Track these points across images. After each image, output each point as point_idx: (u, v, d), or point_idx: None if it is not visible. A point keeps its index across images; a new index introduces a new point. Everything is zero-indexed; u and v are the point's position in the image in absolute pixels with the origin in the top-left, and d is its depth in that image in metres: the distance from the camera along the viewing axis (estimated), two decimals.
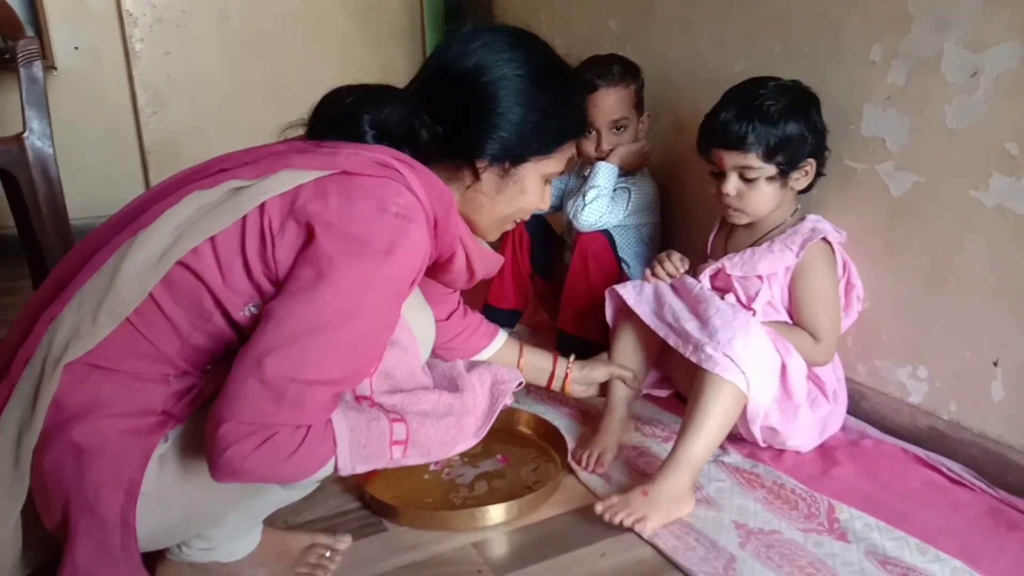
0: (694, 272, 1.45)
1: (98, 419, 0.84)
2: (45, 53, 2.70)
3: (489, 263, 1.09)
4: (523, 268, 1.87)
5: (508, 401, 1.10)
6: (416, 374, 1.01)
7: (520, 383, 1.13)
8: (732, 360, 1.23)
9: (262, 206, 0.85)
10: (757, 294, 1.36)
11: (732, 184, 1.34)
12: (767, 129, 1.29)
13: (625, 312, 1.45)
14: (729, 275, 1.39)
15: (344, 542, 1.15)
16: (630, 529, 1.16)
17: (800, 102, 1.34)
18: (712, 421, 1.22)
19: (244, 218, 0.85)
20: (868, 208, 1.41)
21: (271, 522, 1.12)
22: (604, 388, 1.47)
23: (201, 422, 0.84)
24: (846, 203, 1.44)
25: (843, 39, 1.40)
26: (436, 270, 1.03)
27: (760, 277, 1.36)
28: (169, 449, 0.87)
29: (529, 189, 1.01)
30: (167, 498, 0.88)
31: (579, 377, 1.43)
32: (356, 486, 1.30)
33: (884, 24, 1.33)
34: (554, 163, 1.02)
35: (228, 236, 0.85)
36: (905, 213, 1.35)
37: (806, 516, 1.21)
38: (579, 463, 1.36)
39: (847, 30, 1.39)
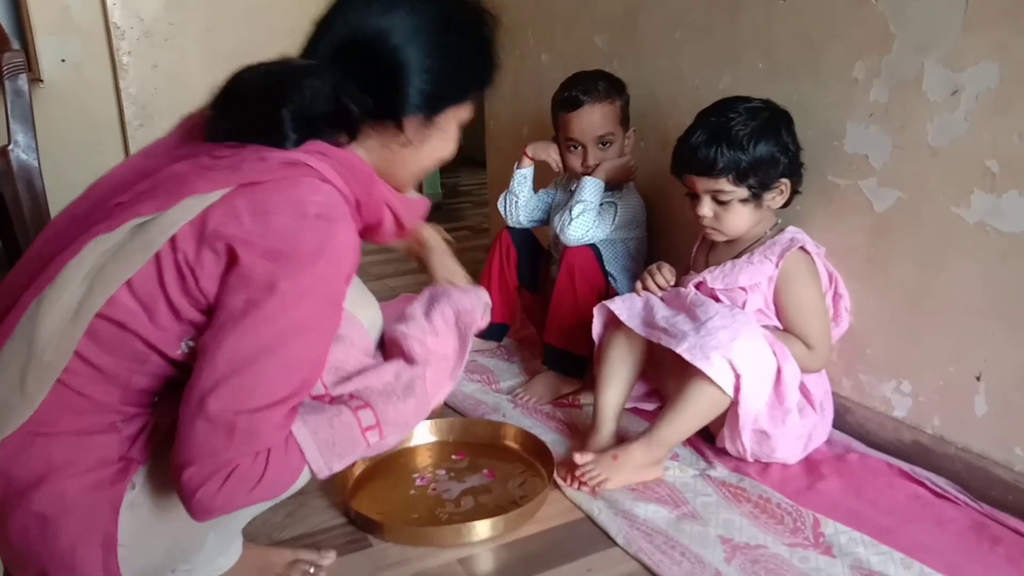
0: (678, 285, 1.46)
1: (56, 483, 0.80)
2: (31, 65, 2.70)
3: (417, 210, 1.05)
4: (510, 282, 1.88)
5: (482, 325, 1.07)
6: (367, 363, 0.97)
7: (487, 304, 1.09)
8: (728, 361, 1.25)
9: (173, 240, 0.80)
10: (744, 304, 1.38)
11: (706, 207, 1.37)
12: (736, 154, 1.31)
13: (613, 326, 1.46)
14: (711, 288, 1.40)
15: (328, 558, 1.14)
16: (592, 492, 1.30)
17: (770, 123, 1.35)
18: (692, 415, 1.31)
19: (157, 255, 0.80)
20: (852, 223, 1.42)
21: (253, 538, 1.12)
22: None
23: (164, 458, 0.82)
24: (830, 218, 1.45)
25: (826, 57, 1.42)
26: (365, 234, 0.99)
27: (743, 288, 1.37)
28: (138, 495, 0.85)
29: (449, 136, 0.98)
30: (146, 542, 0.86)
31: None
32: (341, 502, 1.29)
33: (866, 43, 1.35)
34: (469, 109, 0.99)
35: (144, 277, 0.80)
36: (888, 229, 1.37)
37: (792, 531, 1.22)
38: (564, 479, 1.36)
39: (830, 48, 1.41)
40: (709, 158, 1.32)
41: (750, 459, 1.37)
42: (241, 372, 0.78)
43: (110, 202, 0.85)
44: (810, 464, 1.40)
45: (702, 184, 1.36)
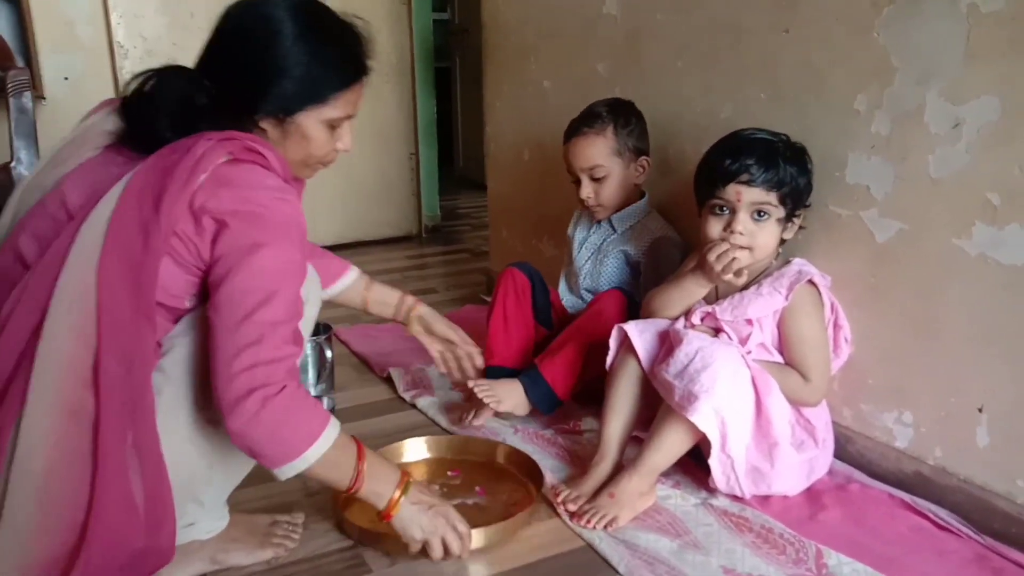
0: (685, 314, 1.46)
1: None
2: (35, 83, 2.70)
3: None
4: (527, 320, 1.80)
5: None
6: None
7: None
8: (713, 410, 1.27)
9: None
10: (748, 337, 1.38)
11: (745, 221, 1.35)
12: (789, 170, 1.34)
13: (625, 349, 1.46)
14: (719, 319, 1.40)
15: (299, 517, 1.28)
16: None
17: (802, 154, 1.40)
18: (677, 442, 1.34)
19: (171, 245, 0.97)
20: (853, 254, 1.43)
21: (237, 508, 1.23)
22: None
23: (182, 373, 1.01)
24: (831, 248, 1.46)
25: (828, 88, 1.44)
26: None
27: (750, 321, 1.37)
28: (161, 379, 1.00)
29: (312, 136, 1.07)
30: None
31: (424, 313, 1.55)
32: (338, 526, 1.30)
33: (868, 75, 1.36)
34: (334, 109, 1.08)
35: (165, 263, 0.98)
36: (889, 259, 1.37)
37: (794, 561, 1.21)
38: (556, 497, 1.36)
39: (832, 80, 1.43)
40: (766, 171, 1.33)
41: (748, 497, 1.36)
42: (252, 311, 0.96)
43: (60, 215, 0.98)
44: (812, 494, 1.39)
45: (749, 196, 1.34)
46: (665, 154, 1.85)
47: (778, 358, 1.40)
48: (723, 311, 1.40)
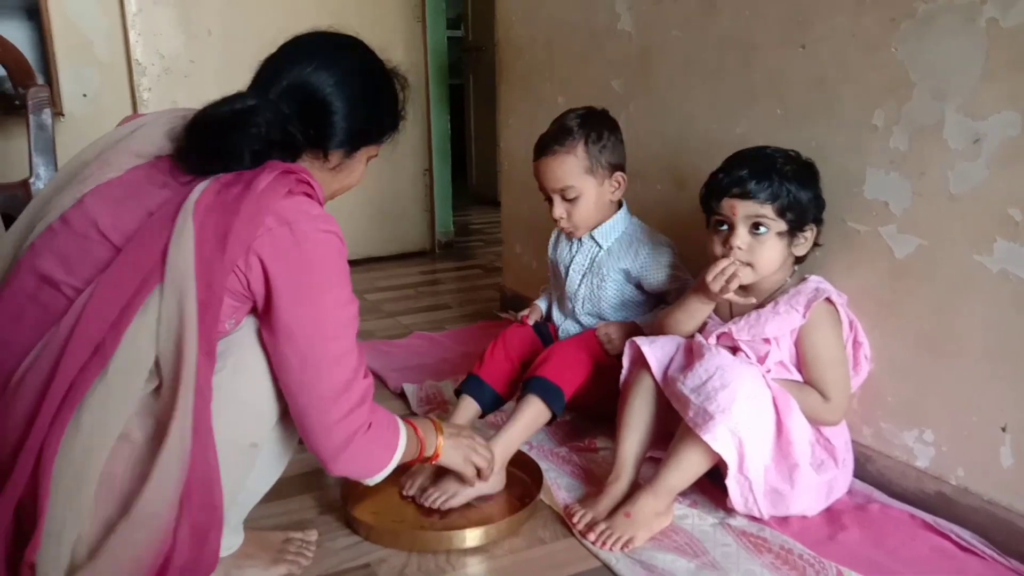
0: (701, 332, 1.45)
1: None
2: (54, 100, 2.73)
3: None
4: (523, 353, 1.71)
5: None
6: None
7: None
8: (730, 431, 1.26)
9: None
10: (767, 355, 1.36)
11: (742, 236, 1.34)
12: (783, 185, 1.32)
13: (639, 366, 1.45)
14: (736, 339, 1.39)
15: (312, 535, 1.30)
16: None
17: (808, 169, 1.38)
18: (696, 463, 1.32)
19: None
20: (871, 270, 1.41)
21: (250, 524, 1.23)
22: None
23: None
24: (849, 265, 1.45)
25: (844, 104, 1.43)
26: None
27: (767, 339, 1.36)
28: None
29: (357, 170, 1.21)
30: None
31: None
32: (347, 524, 1.36)
33: (885, 90, 1.35)
34: (378, 147, 1.23)
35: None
36: (908, 275, 1.36)
37: None
38: (571, 517, 1.35)
39: (847, 96, 1.42)
40: (757, 183, 1.32)
41: (767, 518, 1.34)
42: (318, 354, 1.03)
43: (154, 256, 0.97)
44: (831, 515, 1.37)
45: (744, 209, 1.34)
46: (679, 170, 1.84)
47: (797, 376, 1.38)
48: (739, 330, 1.38)
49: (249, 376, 1.04)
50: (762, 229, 1.33)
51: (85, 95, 2.97)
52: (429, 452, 1.27)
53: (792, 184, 1.33)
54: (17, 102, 2.33)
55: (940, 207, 1.30)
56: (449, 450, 1.30)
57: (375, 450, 1.13)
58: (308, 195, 1.05)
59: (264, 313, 1.02)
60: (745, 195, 1.33)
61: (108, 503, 0.91)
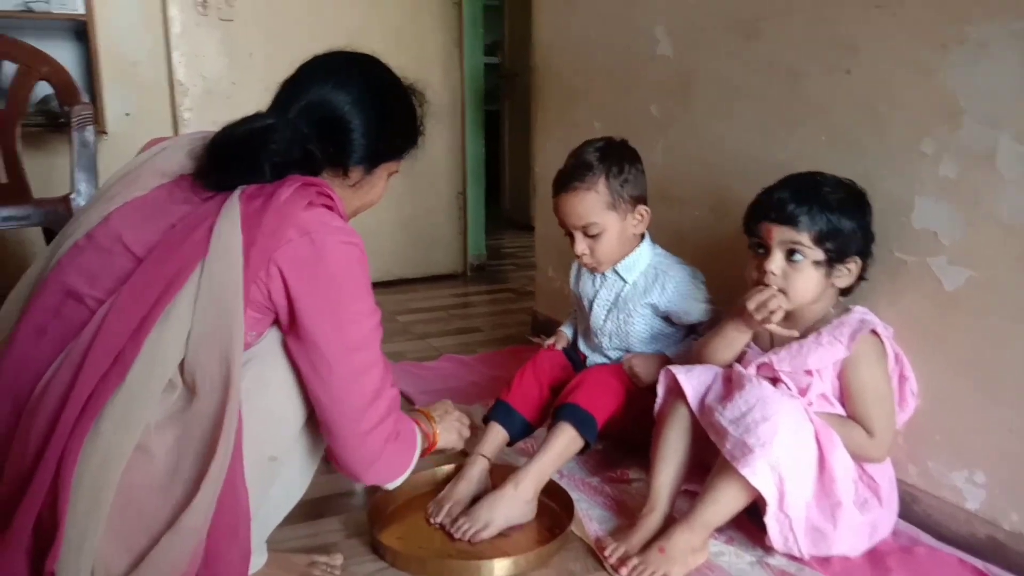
0: (740, 362, 1.41)
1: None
2: (97, 118, 2.79)
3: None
4: (553, 379, 1.68)
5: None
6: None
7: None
8: (769, 466, 1.21)
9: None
10: (808, 387, 1.32)
11: (777, 262, 1.31)
12: (823, 213, 1.28)
13: (674, 396, 1.41)
14: (777, 369, 1.34)
15: (338, 559, 1.27)
16: None
17: (857, 199, 1.34)
18: (733, 500, 1.27)
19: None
20: (919, 302, 1.36)
21: (275, 546, 1.22)
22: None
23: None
24: (895, 295, 1.40)
25: (891, 131, 1.39)
26: None
27: (809, 371, 1.32)
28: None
29: (378, 186, 1.20)
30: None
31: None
32: (373, 548, 1.34)
33: (934, 117, 1.32)
34: (399, 164, 1.23)
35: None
36: (958, 308, 1.31)
37: None
38: (603, 551, 1.31)
39: (895, 122, 1.38)
40: (795, 209, 1.28)
41: (807, 558, 1.29)
42: (344, 365, 1.03)
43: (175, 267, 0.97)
44: (875, 556, 1.31)
45: (780, 235, 1.30)
46: (719, 197, 1.81)
47: (840, 410, 1.33)
48: (780, 361, 1.34)
49: (270, 388, 1.03)
50: (797, 256, 1.29)
51: (128, 114, 3.02)
52: (425, 441, 1.28)
53: (835, 213, 1.28)
54: (62, 120, 2.38)
55: (993, 238, 1.25)
56: (444, 434, 1.34)
57: (403, 455, 1.16)
58: (328, 207, 1.05)
59: (289, 325, 1.01)
60: (782, 220, 1.29)
61: (125, 515, 0.90)
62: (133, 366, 0.90)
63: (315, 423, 1.07)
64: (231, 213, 0.97)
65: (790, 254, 1.30)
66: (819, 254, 1.29)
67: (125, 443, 0.90)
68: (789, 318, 1.36)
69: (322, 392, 1.03)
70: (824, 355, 1.31)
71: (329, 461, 1.11)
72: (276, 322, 1.03)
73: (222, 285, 0.94)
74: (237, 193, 1.00)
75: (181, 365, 0.93)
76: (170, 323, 0.93)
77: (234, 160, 1.03)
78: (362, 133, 1.11)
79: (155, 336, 0.92)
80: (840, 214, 1.29)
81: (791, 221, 1.28)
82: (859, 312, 1.34)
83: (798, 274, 1.30)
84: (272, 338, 1.03)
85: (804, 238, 1.28)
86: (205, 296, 0.94)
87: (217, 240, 0.96)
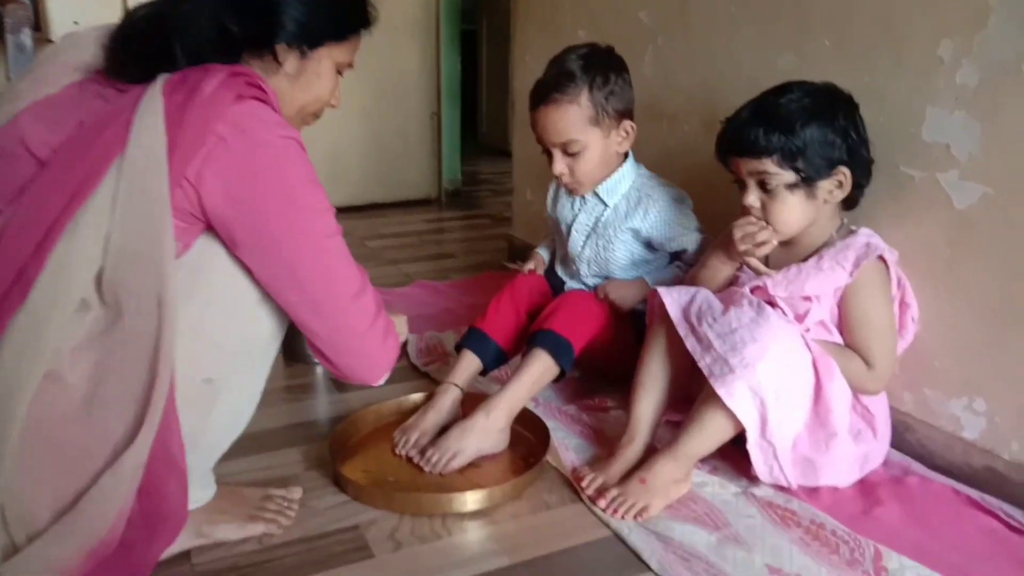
0: (733, 285, 1.31)
1: None
2: (40, 24, 2.58)
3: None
4: (532, 306, 1.57)
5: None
6: None
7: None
8: (751, 390, 1.13)
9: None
10: (806, 314, 1.23)
11: (753, 195, 1.23)
12: (782, 132, 1.18)
13: (659, 320, 1.31)
14: (772, 295, 1.25)
15: (296, 493, 1.18)
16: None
17: (826, 104, 1.21)
18: (718, 431, 1.20)
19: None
20: (926, 221, 1.27)
21: (228, 479, 1.15)
22: None
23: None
24: (900, 214, 1.30)
25: (907, 33, 1.27)
26: None
27: (807, 296, 1.22)
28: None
29: (323, 75, 1.04)
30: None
31: None
32: (335, 482, 1.24)
33: (956, 17, 1.19)
34: (345, 52, 1.05)
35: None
36: (969, 229, 1.22)
37: (848, 562, 1.07)
38: (580, 481, 1.24)
39: (912, 23, 1.26)
40: (751, 136, 1.19)
41: (795, 488, 1.22)
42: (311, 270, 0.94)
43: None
44: (865, 487, 1.25)
45: (746, 166, 1.22)
46: (713, 111, 1.67)
47: (838, 338, 1.25)
48: (776, 285, 1.25)
49: (200, 303, 0.91)
50: (770, 183, 1.20)
51: (76, 22, 2.80)
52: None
53: (796, 128, 1.17)
54: None
55: (1013, 153, 1.15)
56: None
57: (392, 351, 1.08)
58: (260, 100, 0.92)
59: (233, 236, 0.90)
60: (742, 151, 1.21)
61: (40, 452, 0.81)
62: (36, 284, 0.80)
63: (257, 341, 0.98)
64: (152, 105, 0.85)
65: (763, 184, 1.20)
66: (790, 176, 1.20)
67: (31, 371, 0.80)
68: (788, 246, 1.28)
69: (294, 303, 0.94)
70: (824, 280, 1.21)
71: (334, 377, 1.07)
72: (205, 232, 0.92)
73: (145, 188, 0.82)
74: (159, 84, 0.87)
75: (98, 281, 0.82)
76: (80, 233, 0.81)
77: (140, 44, 0.91)
78: (290, 1, 0.95)
79: (62, 248, 0.81)
80: (804, 124, 1.17)
81: (751, 150, 1.20)
82: (864, 235, 1.25)
83: (776, 203, 1.21)
84: (202, 248, 0.91)
85: (768, 165, 1.19)
86: (124, 200, 0.82)
87: (137, 136, 0.83)
